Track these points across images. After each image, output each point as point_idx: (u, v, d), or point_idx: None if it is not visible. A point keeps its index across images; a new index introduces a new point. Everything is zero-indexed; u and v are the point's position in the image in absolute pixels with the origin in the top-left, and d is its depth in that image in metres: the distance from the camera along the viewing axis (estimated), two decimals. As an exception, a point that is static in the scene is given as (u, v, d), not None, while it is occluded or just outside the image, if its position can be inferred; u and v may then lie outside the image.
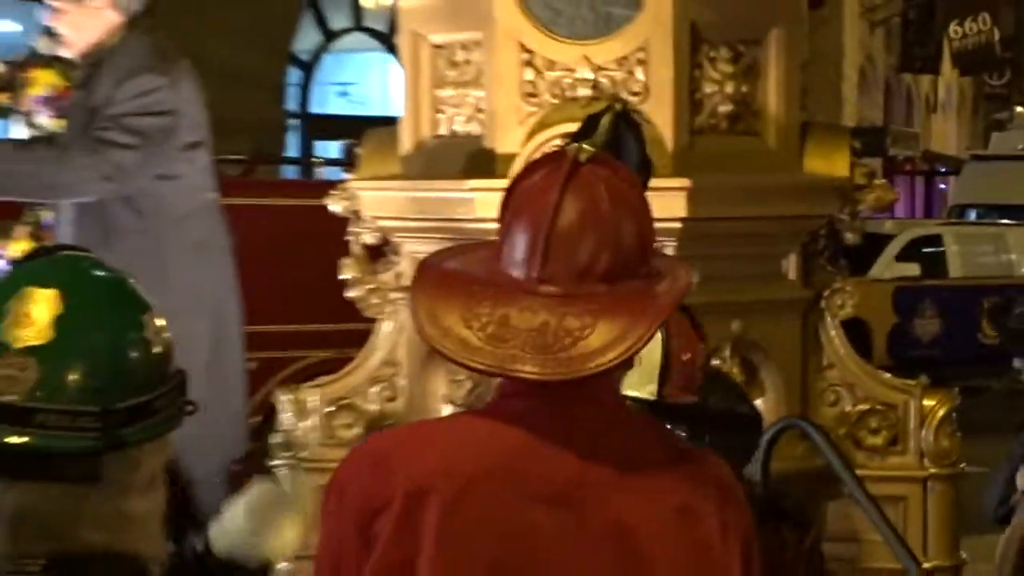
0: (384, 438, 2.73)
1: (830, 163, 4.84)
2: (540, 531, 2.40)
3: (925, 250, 19.30)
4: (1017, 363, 15.47)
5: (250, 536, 2.75)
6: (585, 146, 2.46)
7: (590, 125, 2.76)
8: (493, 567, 2.39)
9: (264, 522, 2.79)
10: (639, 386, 3.45)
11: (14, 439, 1.82)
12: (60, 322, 1.84)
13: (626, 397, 3.31)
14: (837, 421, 4.86)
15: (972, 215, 27.48)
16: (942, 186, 39.24)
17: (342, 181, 5.28)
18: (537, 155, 3.89)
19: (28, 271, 1.96)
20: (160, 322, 1.97)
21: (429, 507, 2.37)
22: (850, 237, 4.94)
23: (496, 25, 4.65)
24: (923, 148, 40.98)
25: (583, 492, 2.41)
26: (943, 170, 39.73)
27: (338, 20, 19.49)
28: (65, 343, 1.84)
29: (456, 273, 2.52)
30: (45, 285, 1.87)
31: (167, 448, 1.97)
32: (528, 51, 4.63)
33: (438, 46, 4.85)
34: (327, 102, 20.52)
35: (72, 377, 1.84)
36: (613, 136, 2.71)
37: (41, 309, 1.85)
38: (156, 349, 1.95)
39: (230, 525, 2.71)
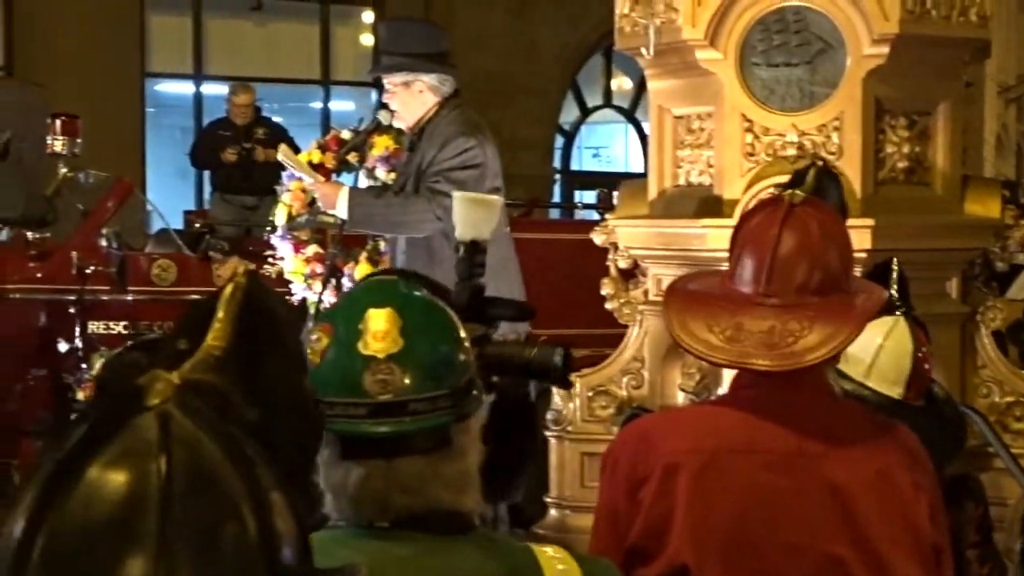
0: (647, 423, 2.74)
1: (985, 207, 4.71)
2: (769, 491, 2.38)
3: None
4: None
5: None
6: (797, 192, 2.46)
7: (798, 177, 2.74)
8: (734, 521, 2.37)
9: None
10: (889, 386, 3.33)
11: (390, 428, 1.83)
12: (404, 331, 1.85)
13: (872, 391, 3.23)
14: (988, 410, 4.70)
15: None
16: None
17: (603, 220, 5.28)
18: (754, 202, 3.86)
19: (364, 297, 1.96)
20: (456, 317, 1.96)
21: (681, 477, 2.37)
22: (1000, 266, 4.82)
23: (724, 101, 4.61)
24: (1047, 197, 39.69)
25: (802, 460, 2.38)
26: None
27: (593, 99, 19.56)
28: (414, 346, 1.85)
29: (698, 292, 2.54)
30: (381, 305, 1.87)
31: (482, 413, 1.97)
32: (748, 120, 4.58)
33: (679, 117, 4.82)
34: (583, 161, 20.58)
35: (425, 371, 1.84)
36: (818, 185, 2.68)
37: (388, 324, 1.85)
38: (464, 337, 1.95)
39: None
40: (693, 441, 2.41)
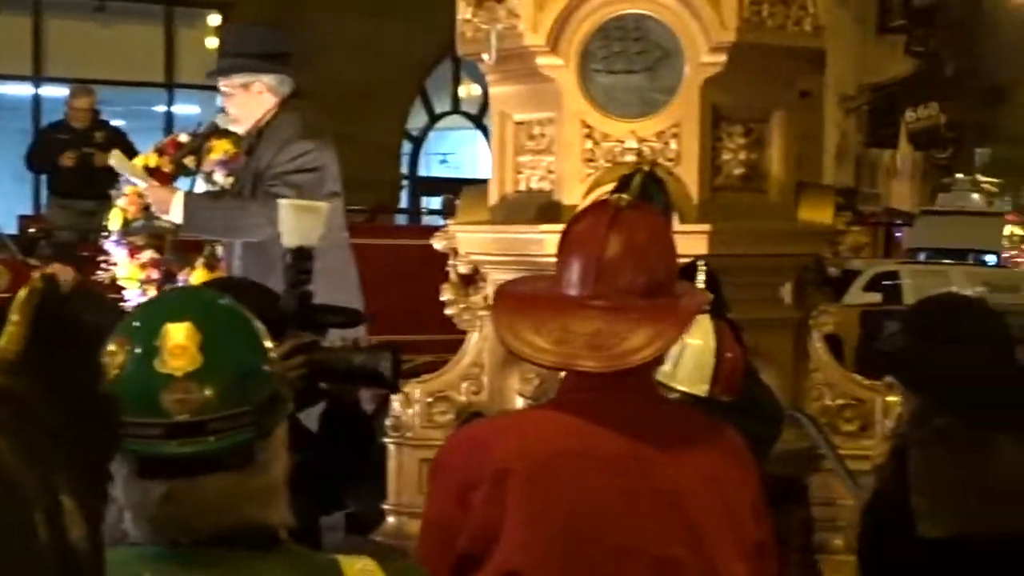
0: (477, 428, 2.71)
1: (819, 213, 4.79)
2: (602, 495, 2.37)
3: (885, 283, 19.11)
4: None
5: None
6: (623, 196, 2.47)
7: (625, 182, 2.76)
8: (567, 525, 2.36)
9: None
10: (694, 384, 3.36)
11: (190, 448, 1.76)
12: (204, 347, 1.77)
13: (680, 392, 3.26)
14: (821, 413, 4.79)
15: (922, 256, 27.26)
16: (898, 235, 38.96)
17: (444, 226, 5.26)
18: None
19: (162, 309, 1.88)
20: (262, 326, 1.90)
21: (512, 483, 2.35)
22: (833, 271, 4.90)
23: (565, 107, 4.62)
24: (884, 205, 40.71)
25: (634, 463, 2.39)
26: (900, 223, 39.48)
27: (441, 105, 19.56)
28: (214, 362, 1.77)
29: (526, 295, 2.54)
30: (180, 319, 1.78)
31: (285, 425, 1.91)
32: (588, 127, 4.59)
33: (520, 122, 4.82)
34: (431, 167, 20.56)
35: (227, 387, 1.78)
36: (644, 190, 2.70)
37: (186, 339, 1.76)
38: (270, 348, 1.89)
39: None
40: (524, 446, 2.40)
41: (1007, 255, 32.24)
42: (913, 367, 3.06)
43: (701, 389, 3.38)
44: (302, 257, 2.64)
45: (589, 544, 2.35)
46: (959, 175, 41.30)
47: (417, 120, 19.51)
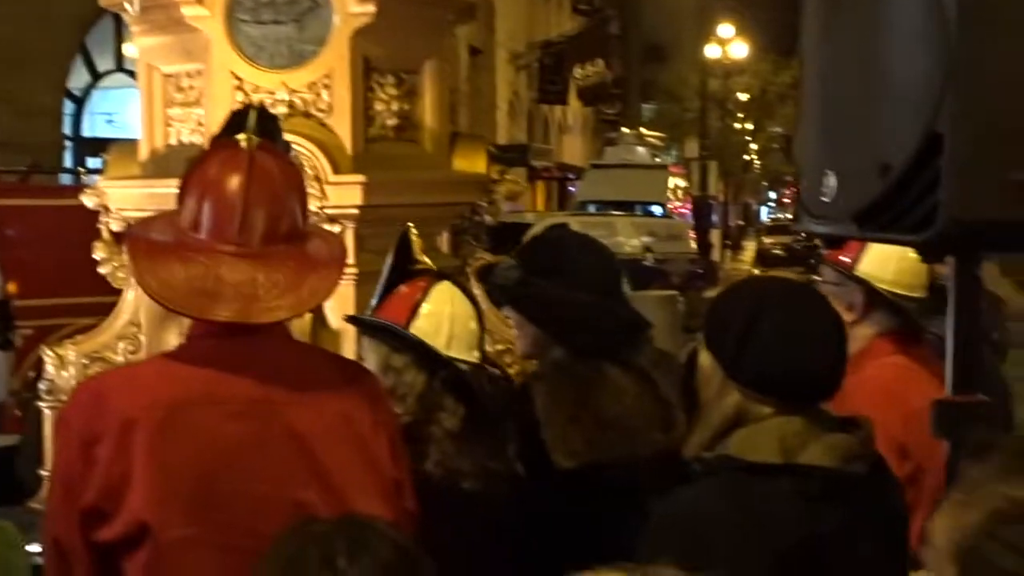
0: (99, 380, 2.65)
1: (472, 163, 4.86)
2: (233, 442, 2.35)
3: (557, 235, 19.57)
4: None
5: None
6: (253, 137, 2.45)
7: (238, 120, 2.72)
8: (199, 475, 2.33)
9: None
10: (468, 352, 3.30)
11: None
12: None
13: (458, 360, 3.19)
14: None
15: (592, 208, 28.07)
16: (572, 189, 40.02)
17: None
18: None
19: None
20: None
21: (138, 434, 2.31)
22: (488, 219, 4.97)
23: (213, 58, 4.53)
24: (556, 160, 41.68)
25: (264, 408, 2.37)
26: (572, 176, 40.49)
27: (104, 64, 18.94)
28: None
29: (165, 242, 2.47)
30: None
31: None
32: (238, 78, 4.52)
33: (168, 75, 4.71)
34: (96, 127, 19.91)
35: None
36: (261, 128, 2.67)
37: None
38: None
39: None
40: (150, 396, 2.35)
41: (672, 206, 33.54)
42: (525, 300, 3.12)
43: (475, 356, 3.33)
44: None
45: (220, 492, 2.32)
46: (624, 129, 42.59)
47: (79, 79, 18.84)
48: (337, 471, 2.38)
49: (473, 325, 3.33)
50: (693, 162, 38.92)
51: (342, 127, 4.50)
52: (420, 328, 3.20)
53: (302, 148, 4.42)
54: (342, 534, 1.85)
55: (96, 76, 19.01)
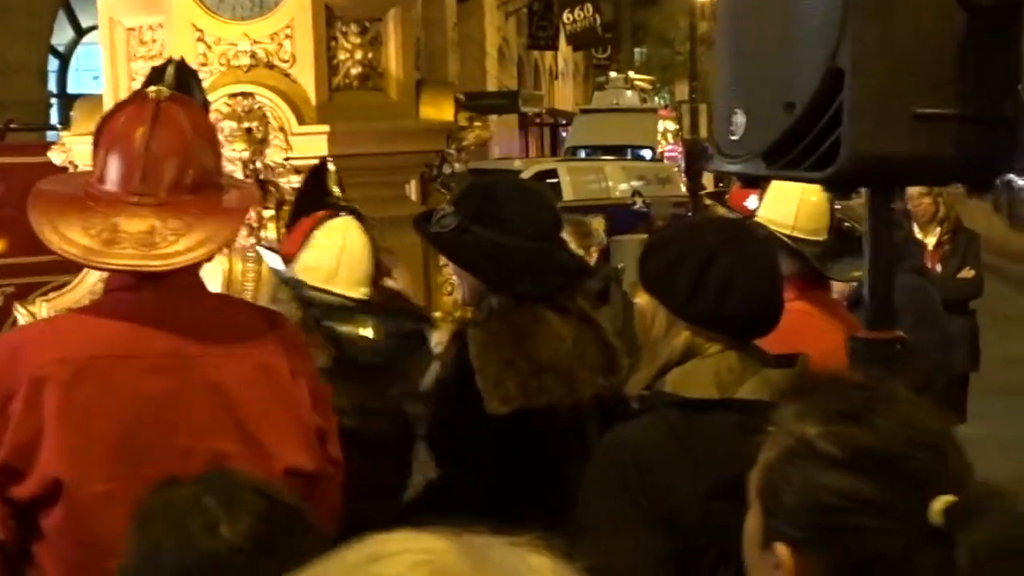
0: (14, 336, 2.63)
1: (439, 111, 4.83)
2: (151, 396, 2.33)
3: (547, 180, 19.51)
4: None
5: None
6: (163, 88, 2.42)
7: (156, 74, 2.71)
8: (117, 430, 2.31)
9: None
10: (354, 287, 3.32)
11: None
12: None
13: (338, 295, 3.22)
14: (453, 306, 4.85)
15: (582, 154, 28.00)
16: (563, 135, 39.87)
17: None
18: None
19: None
20: None
21: (49, 390, 2.29)
22: (457, 167, 4.95)
23: (174, 10, 4.50)
24: (548, 106, 41.53)
25: (181, 362, 2.35)
26: (564, 122, 40.35)
27: (87, 19, 18.81)
28: None
29: (68, 195, 2.45)
30: None
31: None
32: (199, 30, 4.49)
33: (130, 28, 4.67)
34: (82, 84, 19.80)
35: None
36: (179, 82, 2.65)
37: None
38: None
39: None
40: (64, 351, 2.32)
41: (662, 150, 33.47)
42: (458, 248, 3.08)
43: (361, 291, 3.35)
44: None
45: (143, 447, 2.30)
46: (612, 74, 42.43)
47: (62, 36, 18.72)
48: (257, 421, 2.37)
49: (365, 263, 3.37)
50: (684, 105, 38.82)
51: (305, 77, 4.47)
52: (303, 260, 3.27)
53: (266, 99, 4.39)
54: (212, 494, 1.81)
55: (80, 32, 18.88)
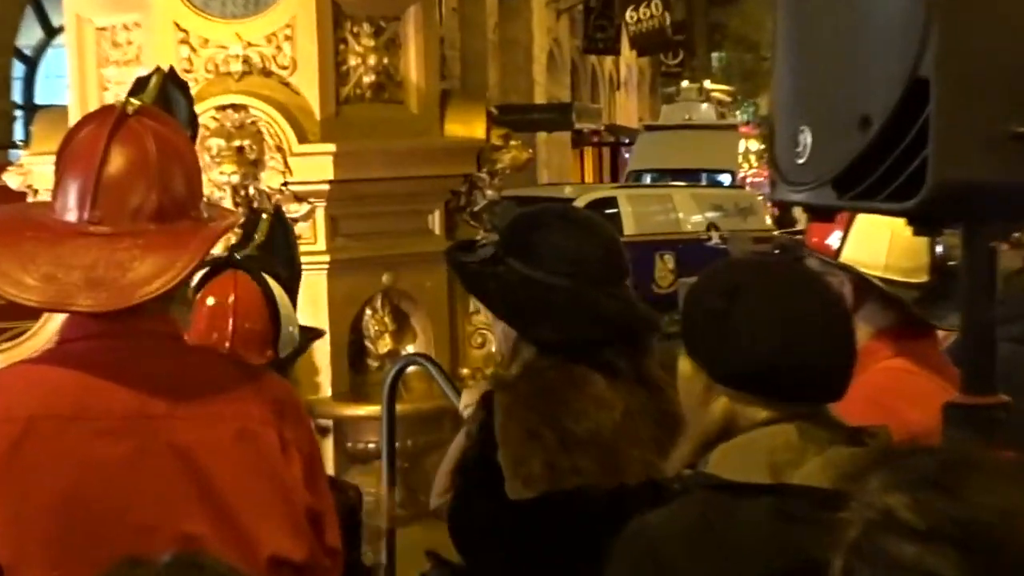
0: None
1: (468, 127, 4.85)
2: (105, 465, 2.32)
3: (605, 211, 19.44)
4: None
5: None
6: (132, 100, 2.41)
7: (140, 85, 2.71)
8: (66, 498, 2.30)
9: None
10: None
11: None
12: None
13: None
14: (485, 361, 4.86)
15: (647, 179, 27.95)
16: (626, 156, 39.84)
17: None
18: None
19: None
20: None
21: None
22: (491, 194, 4.95)
23: (153, 7, 4.54)
24: (607, 122, 41.54)
25: (143, 424, 2.34)
26: (627, 141, 40.32)
27: (59, 18, 19.04)
28: None
29: (14, 223, 2.45)
30: None
31: None
32: (183, 30, 4.54)
33: (101, 28, 4.72)
34: (54, 93, 20.02)
35: None
36: (163, 94, 2.65)
37: None
38: None
39: None
40: (4, 409, 2.32)
41: (743, 174, 33.37)
42: (480, 278, 2.97)
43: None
44: None
45: (93, 524, 2.29)
46: (685, 83, 42.43)
47: (30, 36, 18.94)
48: (233, 497, 2.34)
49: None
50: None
51: (308, 87, 4.51)
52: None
53: (260, 112, 4.42)
54: None
55: (51, 33, 19.09)
